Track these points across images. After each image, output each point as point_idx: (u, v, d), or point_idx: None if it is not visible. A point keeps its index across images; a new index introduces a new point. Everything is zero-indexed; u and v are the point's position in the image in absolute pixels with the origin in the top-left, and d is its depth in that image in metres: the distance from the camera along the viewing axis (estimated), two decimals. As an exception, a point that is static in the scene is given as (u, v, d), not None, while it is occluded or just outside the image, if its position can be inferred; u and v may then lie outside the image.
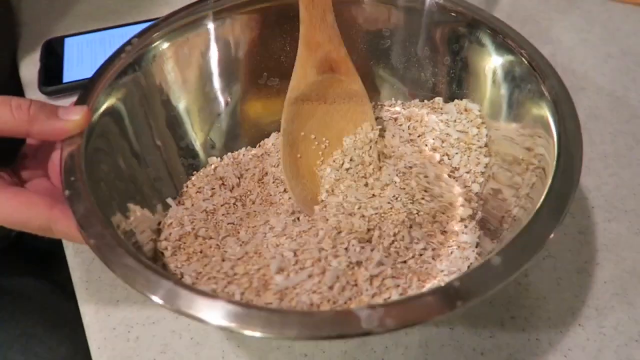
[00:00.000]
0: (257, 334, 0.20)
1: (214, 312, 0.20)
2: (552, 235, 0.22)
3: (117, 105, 0.30)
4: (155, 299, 0.21)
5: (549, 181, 0.24)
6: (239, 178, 0.34)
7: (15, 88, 0.49)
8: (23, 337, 0.51)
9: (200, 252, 0.29)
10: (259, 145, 0.37)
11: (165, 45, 0.33)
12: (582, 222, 0.36)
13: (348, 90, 0.33)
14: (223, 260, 0.28)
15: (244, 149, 0.36)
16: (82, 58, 0.47)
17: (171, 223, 0.31)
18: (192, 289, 0.21)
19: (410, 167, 0.33)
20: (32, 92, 0.45)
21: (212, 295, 0.21)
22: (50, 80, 0.45)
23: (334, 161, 0.33)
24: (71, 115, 0.27)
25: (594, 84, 0.45)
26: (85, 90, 0.29)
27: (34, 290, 0.55)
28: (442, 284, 0.22)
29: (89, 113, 0.28)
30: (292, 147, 0.33)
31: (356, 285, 0.26)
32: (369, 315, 0.20)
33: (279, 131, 0.34)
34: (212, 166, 0.35)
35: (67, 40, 0.49)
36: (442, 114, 0.35)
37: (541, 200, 0.24)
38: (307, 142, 0.33)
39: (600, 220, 0.36)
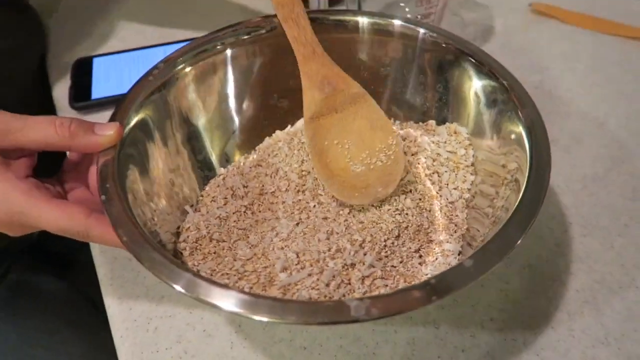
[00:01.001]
0: (263, 319, 0.23)
1: (227, 300, 0.24)
2: (519, 242, 0.26)
3: (145, 120, 0.34)
4: (178, 287, 0.25)
5: (520, 195, 0.28)
6: (245, 187, 0.38)
7: (43, 96, 0.54)
8: (46, 333, 0.55)
9: (215, 252, 0.33)
10: (254, 150, 0.41)
11: (188, 69, 0.37)
12: (559, 237, 0.39)
13: (350, 95, 0.38)
14: (234, 260, 0.32)
15: (242, 157, 0.40)
16: (109, 76, 0.51)
17: (189, 227, 0.34)
18: (209, 280, 0.25)
19: (405, 184, 0.37)
20: (64, 108, 0.49)
21: (225, 286, 0.24)
22: (80, 97, 0.49)
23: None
24: (105, 131, 0.31)
25: (579, 111, 0.49)
26: (117, 107, 0.33)
27: (55, 289, 0.59)
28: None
29: (121, 129, 0.32)
30: (320, 156, 0.37)
31: (349, 284, 0.30)
32: (357, 306, 0.23)
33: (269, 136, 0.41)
34: (221, 176, 0.39)
35: (96, 60, 0.53)
36: (434, 135, 0.39)
37: (512, 211, 0.27)
38: (332, 148, 0.37)
39: (576, 235, 0.39)
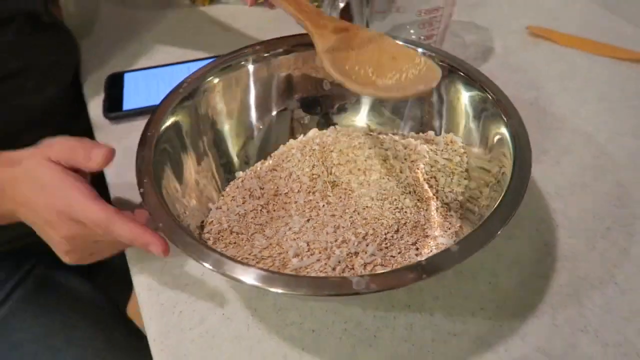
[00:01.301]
0: (279, 291, 0.27)
1: (249, 275, 0.28)
2: (499, 233, 0.30)
3: (178, 123, 0.39)
4: (207, 265, 0.29)
5: (503, 194, 0.32)
6: (261, 189, 0.43)
7: (76, 108, 0.59)
8: (67, 328, 0.59)
9: (235, 242, 0.37)
10: (270, 157, 0.45)
11: (215, 81, 0.42)
12: (547, 237, 0.43)
13: (365, 36, 0.38)
14: (252, 248, 0.36)
15: (259, 162, 0.45)
16: (139, 90, 0.56)
17: (212, 221, 0.39)
18: (232, 259, 0.29)
19: (404, 186, 0.41)
20: (98, 118, 0.55)
21: (247, 264, 0.29)
22: (113, 108, 0.54)
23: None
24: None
25: (570, 125, 0.53)
26: (155, 110, 0.38)
27: (78, 287, 0.63)
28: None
29: (111, 153, 0.36)
30: (344, 77, 0.36)
31: (353, 268, 0.34)
32: (358, 281, 0.27)
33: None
34: (240, 179, 0.44)
35: (127, 75, 0.58)
36: (432, 144, 0.44)
37: (494, 208, 0.31)
38: (354, 71, 0.37)
39: (562, 237, 0.43)
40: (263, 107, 0.45)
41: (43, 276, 0.60)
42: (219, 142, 0.42)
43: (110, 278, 0.73)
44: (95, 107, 0.56)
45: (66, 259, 0.39)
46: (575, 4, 0.70)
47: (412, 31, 0.56)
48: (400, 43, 0.38)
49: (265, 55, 0.44)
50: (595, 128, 0.52)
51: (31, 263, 0.59)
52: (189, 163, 0.39)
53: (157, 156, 0.36)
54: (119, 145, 0.52)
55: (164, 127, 0.37)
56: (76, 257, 0.38)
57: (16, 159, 0.37)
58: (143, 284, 0.41)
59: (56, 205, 0.34)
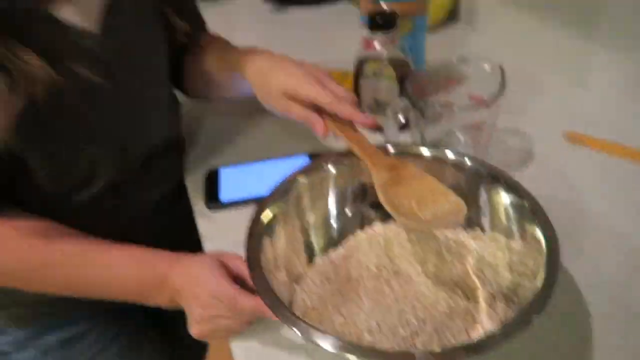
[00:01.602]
0: (354, 358, 0.36)
1: (329, 342, 0.37)
2: (534, 320, 0.38)
3: (276, 215, 0.50)
4: (297, 332, 0.38)
5: (537, 285, 0.40)
6: (335, 275, 0.52)
7: (179, 201, 0.71)
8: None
9: (319, 320, 0.46)
10: (342, 246, 0.54)
11: (304, 181, 0.53)
12: (582, 327, 0.49)
13: (411, 174, 0.51)
14: (333, 324, 0.45)
15: (333, 251, 0.54)
16: (233, 183, 0.68)
17: (297, 301, 0.48)
18: (317, 328, 0.38)
19: (456, 277, 0.49)
20: (200, 208, 0.66)
21: (328, 333, 0.38)
22: (212, 200, 0.66)
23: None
24: None
25: (604, 225, 0.59)
26: (256, 209, 0.49)
27: (157, 350, 0.74)
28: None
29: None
30: (393, 207, 0.48)
31: (415, 346, 0.42)
32: (420, 356, 0.36)
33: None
34: (319, 265, 0.53)
35: (222, 170, 0.70)
36: (479, 240, 0.52)
37: (530, 299, 0.39)
38: (401, 203, 0.49)
39: (597, 327, 0.49)
40: (340, 205, 0.55)
41: (130, 337, 0.72)
42: (304, 232, 0.53)
43: (186, 351, 0.84)
44: (197, 199, 0.68)
45: (195, 329, 0.49)
46: (611, 110, 0.76)
47: (460, 137, 0.66)
48: (440, 184, 0.50)
49: (345, 161, 0.54)
50: (628, 229, 0.58)
51: (118, 327, 0.70)
52: (281, 245, 0.49)
53: (259, 244, 0.46)
54: (218, 229, 0.63)
55: (264, 219, 0.48)
56: (204, 328, 0.49)
57: (190, 259, 0.51)
58: (241, 347, 0.50)
59: (207, 287, 0.47)
